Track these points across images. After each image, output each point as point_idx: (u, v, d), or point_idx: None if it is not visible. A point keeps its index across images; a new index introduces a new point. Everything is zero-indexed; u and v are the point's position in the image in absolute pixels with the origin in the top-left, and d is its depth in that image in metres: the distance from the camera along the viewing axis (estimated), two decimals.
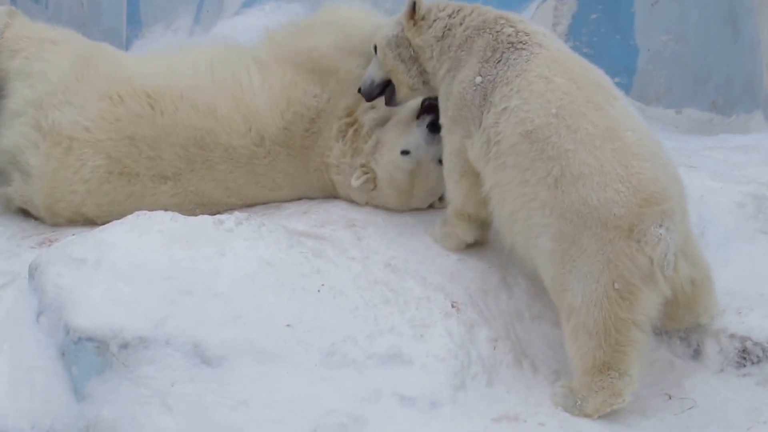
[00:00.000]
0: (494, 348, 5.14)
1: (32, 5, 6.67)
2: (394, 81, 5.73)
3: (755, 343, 5.15)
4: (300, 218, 5.91)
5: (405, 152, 5.89)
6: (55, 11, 7.18)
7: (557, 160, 4.83)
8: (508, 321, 5.38)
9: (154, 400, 4.65)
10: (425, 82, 5.67)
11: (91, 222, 6.01)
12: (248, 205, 6.23)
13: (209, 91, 6.11)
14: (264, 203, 6.27)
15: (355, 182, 6.02)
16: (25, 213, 6.35)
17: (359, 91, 5.86)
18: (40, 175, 6.09)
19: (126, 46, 8.13)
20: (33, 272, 5.11)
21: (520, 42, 5.21)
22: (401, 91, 5.74)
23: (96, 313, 4.76)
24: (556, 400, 4.95)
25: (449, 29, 5.48)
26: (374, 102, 5.97)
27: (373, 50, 5.79)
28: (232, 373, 4.71)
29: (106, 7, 8.22)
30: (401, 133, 5.94)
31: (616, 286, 4.73)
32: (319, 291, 4.99)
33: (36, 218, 6.29)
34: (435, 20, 5.53)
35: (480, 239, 5.75)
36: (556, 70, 5.07)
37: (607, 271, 4.73)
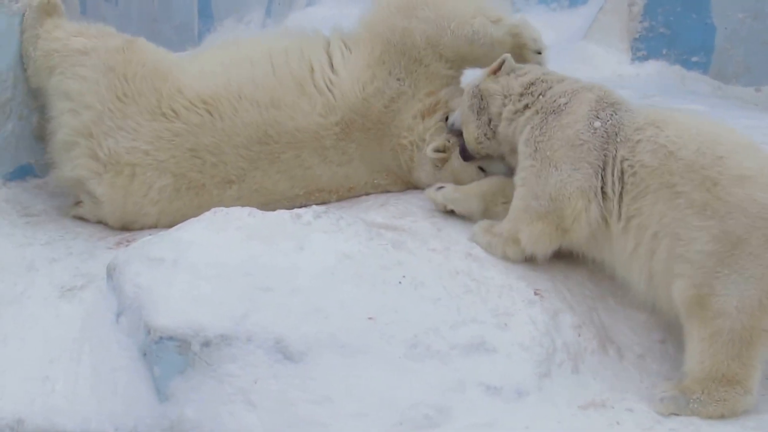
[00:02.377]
0: (579, 335, 5.08)
1: (102, 3, 6.63)
2: (464, 132, 5.77)
3: None
4: (378, 211, 5.85)
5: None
6: (126, 8, 7.19)
7: (712, 168, 4.82)
8: (591, 306, 5.32)
9: (238, 398, 4.63)
10: (488, 137, 5.65)
11: None
12: (312, 194, 6.17)
13: (271, 85, 6.03)
14: (329, 189, 6.19)
15: (430, 152, 5.99)
16: None
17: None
18: (109, 202, 6.07)
19: (198, 40, 8.14)
20: (111, 273, 5.12)
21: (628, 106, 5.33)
22: (468, 142, 5.74)
23: (176, 312, 4.74)
24: (666, 407, 4.80)
25: (543, 81, 5.49)
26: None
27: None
28: (315, 367, 4.68)
29: (177, 2, 8.23)
30: None
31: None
32: (400, 283, 4.95)
33: None
34: (526, 72, 5.58)
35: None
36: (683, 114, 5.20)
37: (766, 276, 4.69)
